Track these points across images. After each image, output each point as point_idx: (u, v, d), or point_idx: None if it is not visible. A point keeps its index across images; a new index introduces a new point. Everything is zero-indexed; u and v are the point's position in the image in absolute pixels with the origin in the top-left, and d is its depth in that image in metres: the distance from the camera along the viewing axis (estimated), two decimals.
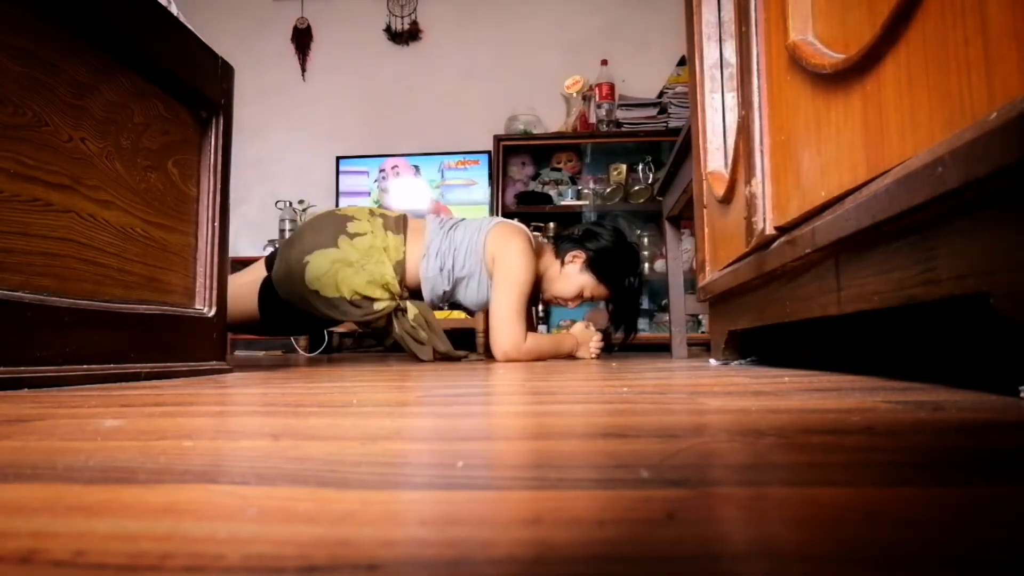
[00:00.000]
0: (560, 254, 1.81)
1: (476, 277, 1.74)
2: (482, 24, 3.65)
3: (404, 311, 1.68)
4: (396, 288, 1.68)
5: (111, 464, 0.29)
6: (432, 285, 1.74)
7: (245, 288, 1.73)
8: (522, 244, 1.68)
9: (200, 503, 0.23)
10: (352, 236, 1.67)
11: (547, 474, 0.27)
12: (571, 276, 1.78)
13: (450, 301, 1.83)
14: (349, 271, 1.63)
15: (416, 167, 3.45)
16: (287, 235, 3.45)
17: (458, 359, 1.72)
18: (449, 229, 1.76)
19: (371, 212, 1.76)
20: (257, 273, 1.77)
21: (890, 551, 0.17)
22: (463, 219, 1.83)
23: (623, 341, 1.88)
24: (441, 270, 1.72)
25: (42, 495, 0.24)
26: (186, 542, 0.18)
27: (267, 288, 1.72)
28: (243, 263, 3.06)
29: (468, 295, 1.77)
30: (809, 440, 0.33)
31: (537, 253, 1.78)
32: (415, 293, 1.77)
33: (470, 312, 1.87)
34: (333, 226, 1.69)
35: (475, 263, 1.72)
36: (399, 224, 1.75)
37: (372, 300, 1.65)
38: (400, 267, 1.70)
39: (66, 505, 0.23)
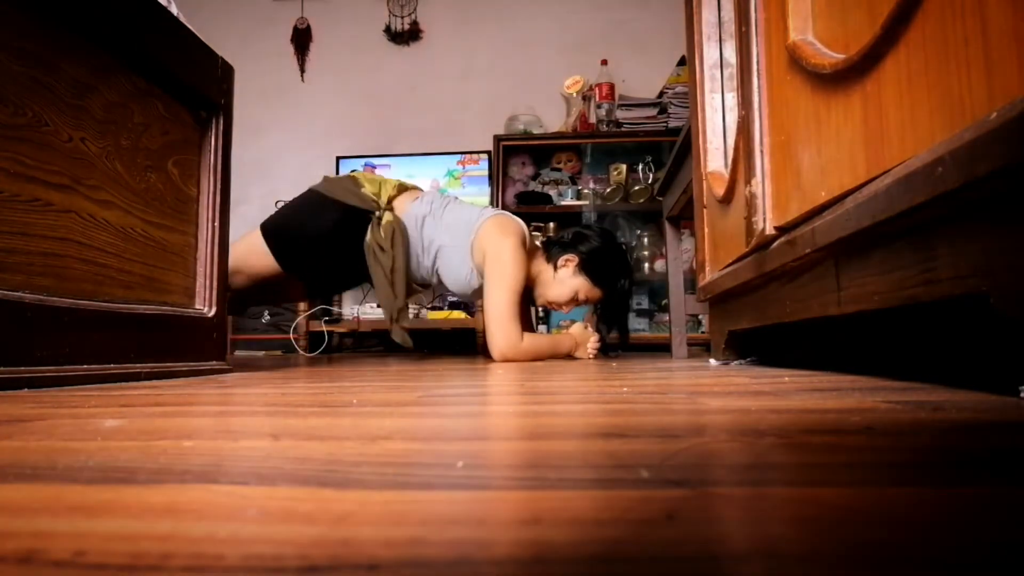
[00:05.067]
0: (552, 258, 1.79)
1: (460, 253, 1.75)
2: (482, 24, 3.65)
3: (380, 220, 1.77)
4: (383, 198, 1.80)
5: (111, 464, 0.29)
6: (415, 221, 1.79)
7: (254, 246, 1.81)
8: (514, 243, 1.67)
9: (200, 503, 0.23)
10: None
11: (547, 474, 0.27)
12: (564, 280, 1.77)
13: (434, 274, 1.83)
14: (356, 175, 1.87)
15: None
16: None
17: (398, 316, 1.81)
18: (451, 198, 1.87)
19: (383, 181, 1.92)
20: (252, 241, 1.84)
21: (890, 551, 0.17)
22: (457, 201, 1.91)
23: (619, 343, 1.87)
24: (426, 217, 1.78)
25: (42, 495, 0.24)
26: (186, 542, 0.18)
27: (272, 237, 1.81)
28: None
29: (449, 269, 1.78)
30: (809, 440, 0.33)
31: (531, 253, 1.78)
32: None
33: (458, 301, 1.87)
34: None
35: (461, 237, 1.74)
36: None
37: (364, 189, 1.80)
38: (396, 189, 1.84)
39: (66, 505, 0.23)
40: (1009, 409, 0.43)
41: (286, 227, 1.81)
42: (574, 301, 1.80)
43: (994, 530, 0.19)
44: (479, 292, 1.77)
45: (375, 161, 3.49)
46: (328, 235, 1.77)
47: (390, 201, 1.80)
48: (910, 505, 0.21)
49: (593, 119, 3.26)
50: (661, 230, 2.63)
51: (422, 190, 1.93)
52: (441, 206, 1.82)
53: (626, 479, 0.25)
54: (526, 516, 0.20)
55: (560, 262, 1.77)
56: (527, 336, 1.63)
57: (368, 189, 1.80)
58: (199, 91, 1.12)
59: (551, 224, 3.22)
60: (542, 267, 1.80)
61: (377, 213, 1.77)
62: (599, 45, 3.43)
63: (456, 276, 1.78)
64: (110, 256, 0.94)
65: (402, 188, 1.85)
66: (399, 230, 1.76)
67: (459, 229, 1.75)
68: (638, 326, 3.09)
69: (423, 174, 3.45)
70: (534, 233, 1.88)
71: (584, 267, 1.75)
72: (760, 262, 0.97)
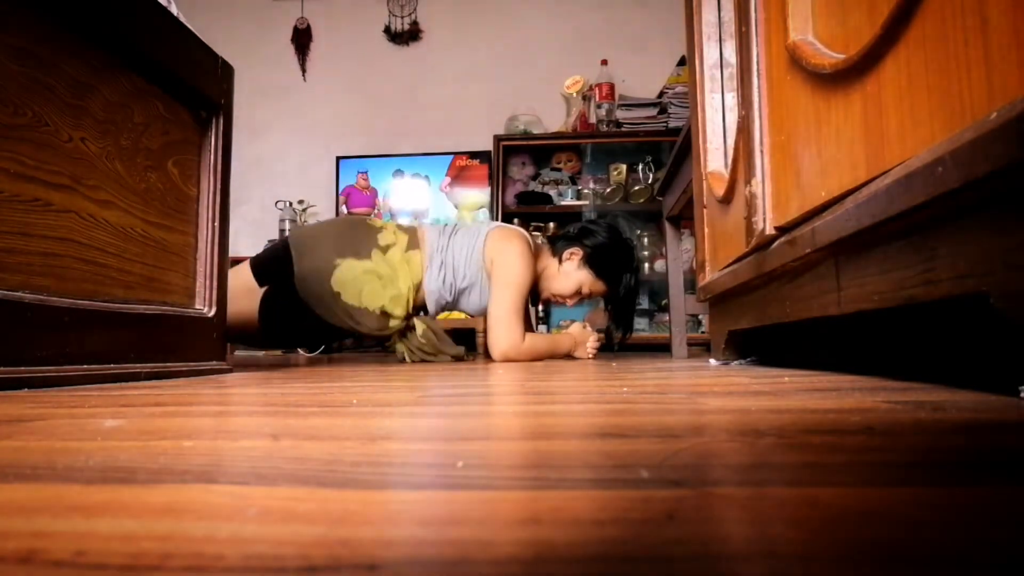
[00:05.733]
0: (557, 252, 1.82)
1: (477, 286, 1.75)
2: (482, 24, 3.65)
3: (412, 328, 1.69)
4: (410, 308, 1.70)
5: (111, 464, 0.29)
6: (436, 298, 1.75)
7: (239, 292, 1.63)
8: (520, 246, 1.69)
9: (200, 503, 0.23)
10: (384, 249, 1.70)
11: (547, 474, 0.27)
12: (569, 273, 1.79)
13: (452, 309, 1.84)
14: (377, 284, 1.66)
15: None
16: (287, 234, 3.44)
17: (462, 358, 1.74)
18: (449, 236, 1.77)
19: (397, 227, 1.78)
20: (244, 276, 1.69)
21: (890, 551, 0.17)
22: (459, 225, 1.84)
23: (622, 340, 1.88)
24: (444, 282, 1.73)
25: (42, 495, 0.24)
26: (186, 542, 0.18)
27: (269, 299, 1.67)
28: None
29: (470, 304, 1.78)
30: (809, 440, 0.33)
31: (535, 254, 1.79)
32: (419, 308, 1.79)
33: (470, 314, 1.87)
34: (366, 237, 1.71)
35: (475, 271, 1.73)
36: (418, 241, 1.76)
37: (390, 317, 1.67)
38: (418, 286, 1.72)
39: (66, 505, 0.23)
40: (1009, 409, 0.43)
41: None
42: (578, 294, 1.81)
43: (994, 530, 0.19)
44: None
45: (375, 161, 3.49)
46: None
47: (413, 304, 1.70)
48: (910, 505, 0.21)
49: (593, 119, 3.26)
50: (661, 230, 2.63)
51: (418, 228, 1.82)
52: (449, 260, 1.74)
53: (626, 479, 0.25)
54: (526, 516, 0.20)
55: (565, 255, 1.80)
56: (527, 336, 1.64)
57: (396, 311, 1.67)
58: (199, 91, 1.12)
59: (551, 224, 3.22)
60: (548, 261, 1.82)
61: (409, 324, 1.69)
62: (599, 45, 3.43)
63: (476, 306, 1.78)
64: (110, 256, 0.94)
65: (416, 275, 1.72)
66: (433, 326, 1.69)
67: (469, 266, 1.73)
68: (638, 326, 3.09)
69: (423, 174, 3.45)
70: (534, 233, 1.87)
71: (588, 261, 1.77)
72: (760, 262, 0.97)
